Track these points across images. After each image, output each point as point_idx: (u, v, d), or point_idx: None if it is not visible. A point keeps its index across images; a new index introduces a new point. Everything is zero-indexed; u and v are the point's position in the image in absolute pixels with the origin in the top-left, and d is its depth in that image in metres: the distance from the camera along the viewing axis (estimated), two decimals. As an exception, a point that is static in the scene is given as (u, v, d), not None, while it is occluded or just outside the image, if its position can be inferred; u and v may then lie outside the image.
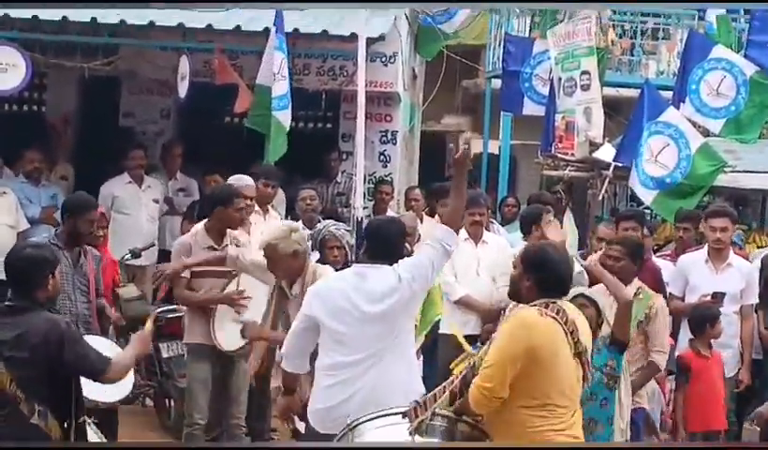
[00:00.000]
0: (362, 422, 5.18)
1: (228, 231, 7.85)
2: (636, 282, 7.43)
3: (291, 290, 6.73)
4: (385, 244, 5.88)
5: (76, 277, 7.39)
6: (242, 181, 8.68)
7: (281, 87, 9.13)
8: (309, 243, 7.15)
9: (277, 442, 5.76)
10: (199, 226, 7.91)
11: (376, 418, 5.18)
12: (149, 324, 5.75)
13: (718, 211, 8.87)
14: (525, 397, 4.94)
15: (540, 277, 5.07)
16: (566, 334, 4.93)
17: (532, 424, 4.94)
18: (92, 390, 5.62)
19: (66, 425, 5.10)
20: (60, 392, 5.10)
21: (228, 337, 7.58)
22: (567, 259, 5.29)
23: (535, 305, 4.99)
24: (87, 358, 5.14)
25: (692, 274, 8.39)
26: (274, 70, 9.02)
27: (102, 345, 6.21)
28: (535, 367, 4.89)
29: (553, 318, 4.93)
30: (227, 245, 7.78)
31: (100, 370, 5.17)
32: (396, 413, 5.10)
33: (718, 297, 8.23)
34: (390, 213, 10.98)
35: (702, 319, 8.09)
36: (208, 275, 7.73)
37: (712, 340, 8.08)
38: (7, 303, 5.20)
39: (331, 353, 5.78)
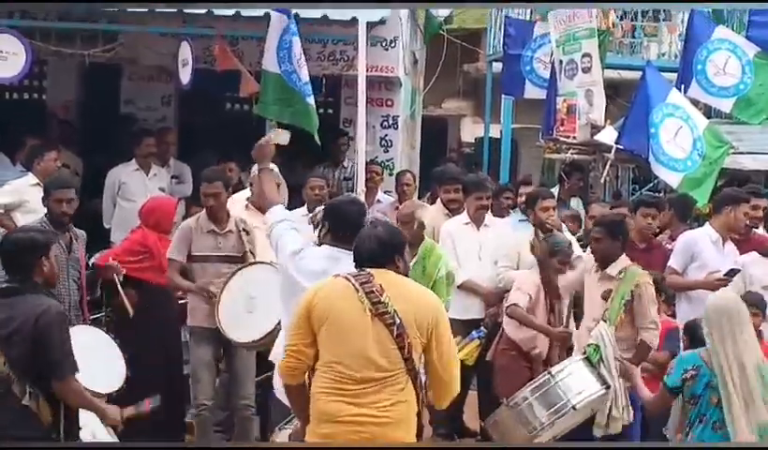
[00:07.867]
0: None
1: (233, 215, 7.86)
2: (623, 260, 7.40)
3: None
4: (345, 224, 5.59)
5: (70, 264, 7.24)
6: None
7: (305, 73, 9.09)
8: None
9: (277, 443, 5.69)
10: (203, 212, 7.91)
11: None
12: (129, 410, 5.59)
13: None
14: (321, 356, 4.89)
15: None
16: (356, 291, 4.82)
17: (318, 383, 4.88)
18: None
19: (58, 411, 5.07)
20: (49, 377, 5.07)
21: (241, 328, 7.41)
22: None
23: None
24: (54, 362, 5.03)
25: (700, 250, 8.27)
26: (296, 56, 8.98)
27: (99, 339, 6.25)
28: (317, 326, 4.86)
29: (346, 278, 4.90)
30: (230, 230, 7.80)
31: (61, 376, 5.06)
32: None
33: (731, 274, 8.07)
34: (383, 196, 10.91)
35: None
36: (213, 260, 7.74)
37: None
38: (3, 285, 5.22)
39: None
